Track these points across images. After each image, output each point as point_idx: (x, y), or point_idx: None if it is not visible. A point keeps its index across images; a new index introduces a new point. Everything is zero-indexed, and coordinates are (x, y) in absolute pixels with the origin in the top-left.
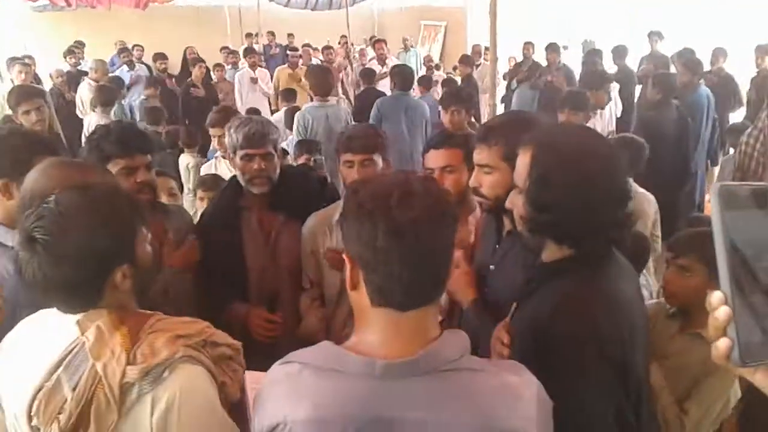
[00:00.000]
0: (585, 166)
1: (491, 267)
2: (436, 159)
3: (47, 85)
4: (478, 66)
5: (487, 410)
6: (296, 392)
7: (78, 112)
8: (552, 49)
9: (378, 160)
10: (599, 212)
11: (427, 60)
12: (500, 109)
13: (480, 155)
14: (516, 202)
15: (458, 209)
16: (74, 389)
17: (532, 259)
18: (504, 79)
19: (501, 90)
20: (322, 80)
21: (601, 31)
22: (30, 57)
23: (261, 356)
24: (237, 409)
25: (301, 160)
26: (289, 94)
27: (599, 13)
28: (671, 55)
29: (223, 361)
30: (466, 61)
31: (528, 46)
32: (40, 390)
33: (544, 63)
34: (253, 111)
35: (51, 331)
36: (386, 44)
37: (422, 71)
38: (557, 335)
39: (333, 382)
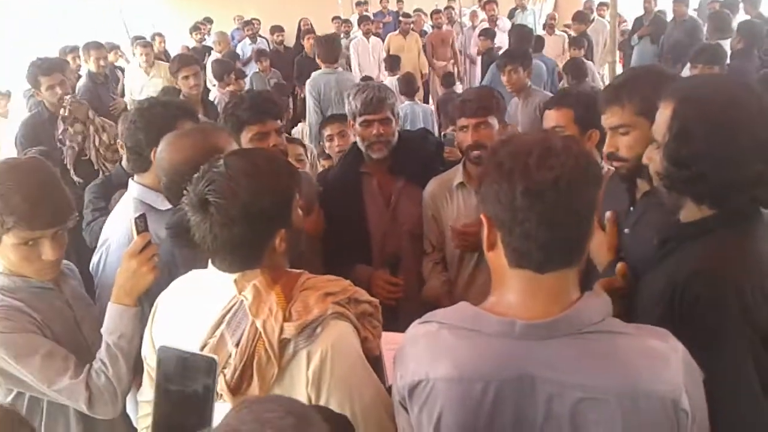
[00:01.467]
0: (729, 119)
1: (626, 231)
2: (548, 119)
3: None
4: (592, 22)
5: (631, 373)
6: (435, 351)
7: (208, 84)
8: (679, 0)
9: (493, 122)
10: (743, 168)
11: (550, 18)
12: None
13: (613, 117)
14: (653, 157)
15: None
16: (237, 345)
17: (670, 220)
18: (622, 35)
19: None
20: (328, 49)
21: None
22: (160, 34)
23: (384, 319)
24: (374, 365)
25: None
26: (393, 62)
27: None
28: None
29: (364, 318)
30: (581, 17)
31: None
32: (205, 346)
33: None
34: (367, 78)
35: (208, 290)
36: (497, 5)
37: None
38: (697, 298)
39: (471, 342)
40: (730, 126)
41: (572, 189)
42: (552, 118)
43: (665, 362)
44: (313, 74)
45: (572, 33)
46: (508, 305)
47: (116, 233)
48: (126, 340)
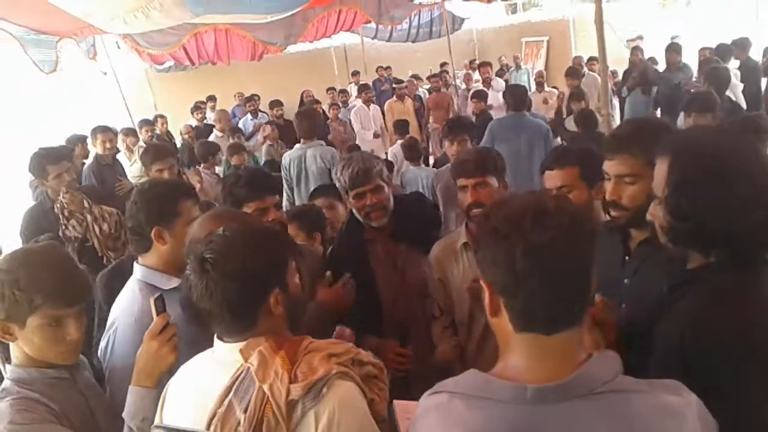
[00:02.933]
0: (725, 169)
1: (625, 281)
2: (552, 180)
3: (178, 141)
4: (583, 76)
5: None
6: (448, 422)
7: None
8: (672, 49)
9: (492, 181)
10: (743, 216)
11: (538, 76)
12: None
13: (622, 165)
14: (656, 213)
15: None
16: (245, 411)
17: (676, 267)
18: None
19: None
20: (305, 123)
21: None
22: (162, 116)
23: (396, 386)
24: (382, 428)
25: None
26: (402, 126)
27: (718, 4)
28: None
29: (369, 380)
30: (573, 73)
31: (636, 51)
32: (214, 416)
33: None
34: (355, 147)
35: (215, 364)
36: (492, 67)
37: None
38: (706, 340)
39: (483, 410)
40: (727, 176)
41: (570, 247)
42: (556, 178)
43: (681, 419)
44: (287, 152)
45: (565, 89)
46: (517, 370)
47: (123, 316)
48: (149, 423)
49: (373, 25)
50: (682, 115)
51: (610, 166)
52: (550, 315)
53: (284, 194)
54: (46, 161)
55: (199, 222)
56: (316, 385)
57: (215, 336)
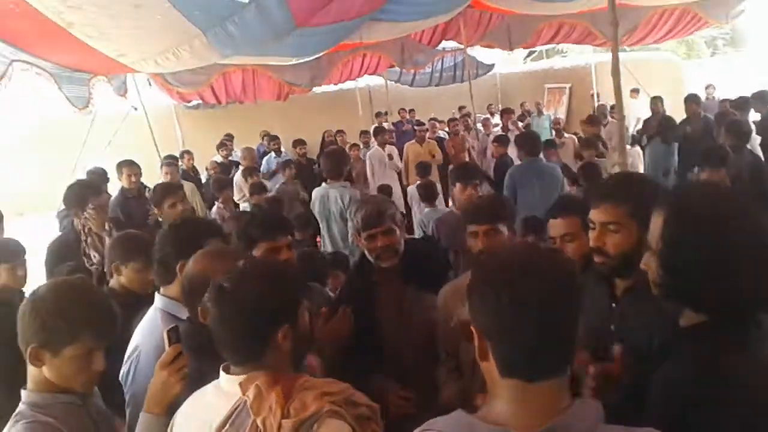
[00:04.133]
0: (718, 231)
1: (612, 327)
2: (555, 228)
3: (203, 176)
4: (605, 125)
5: None
6: None
7: (236, 195)
8: (691, 99)
9: (503, 229)
10: (735, 276)
11: (555, 123)
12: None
13: (605, 213)
14: (650, 265)
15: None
16: None
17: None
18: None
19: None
20: (331, 163)
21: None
22: (188, 152)
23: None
24: None
25: None
26: (424, 169)
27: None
28: None
29: (362, 421)
30: (592, 120)
31: (656, 100)
32: None
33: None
34: (385, 188)
35: (216, 396)
36: (513, 114)
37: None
38: (694, 402)
39: None
40: (720, 234)
41: (555, 301)
42: (560, 227)
43: None
44: (316, 189)
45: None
46: (500, 414)
47: (145, 343)
48: None
49: (397, 68)
50: (696, 169)
51: (594, 214)
52: (533, 364)
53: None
54: (89, 192)
55: (194, 258)
56: (307, 421)
57: (221, 368)
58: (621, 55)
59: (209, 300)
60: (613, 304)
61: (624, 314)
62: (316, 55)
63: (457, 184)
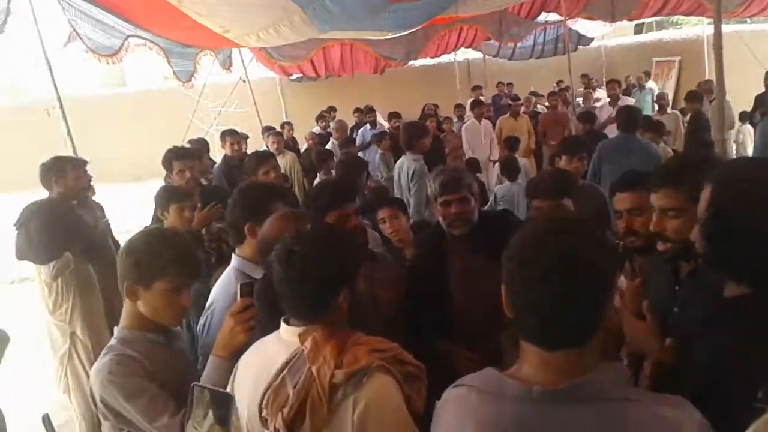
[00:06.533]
0: (761, 199)
1: (675, 309)
2: (622, 202)
3: (303, 146)
4: (712, 101)
5: None
6: (462, 413)
7: None
8: None
9: (569, 204)
10: None
11: (660, 98)
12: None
13: (665, 199)
14: (698, 237)
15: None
16: (295, 387)
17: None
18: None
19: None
20: (404, 137)
21: None
22: (288, 123)
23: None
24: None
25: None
26: (512, 143)
27: None
28: None
29: (409, 379)
30: (694, 97)
31: None
32: (269, 388)
33: None
34: (472, 161)
35: (277, 344)
36: (619, 85)
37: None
38: (730, 377)
39: (494, 404)
40: (763, 205)
41: (568, 272)
42: (626, 201)
43: (677, 430)
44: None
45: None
46: (526, 373)
47: (219, 300)
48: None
49: (495, 42)
50: None
51: (654, 199)
52: (546, 334)
53: None
54: (172, 156)
55: (270, 221)
56: (358, 373)
57: (282, 319)
58: (740, 26)
59: (276, 260)
60: (677, 287)
61: (685, 297)
62: (412, 30)
63: (563, 157)
